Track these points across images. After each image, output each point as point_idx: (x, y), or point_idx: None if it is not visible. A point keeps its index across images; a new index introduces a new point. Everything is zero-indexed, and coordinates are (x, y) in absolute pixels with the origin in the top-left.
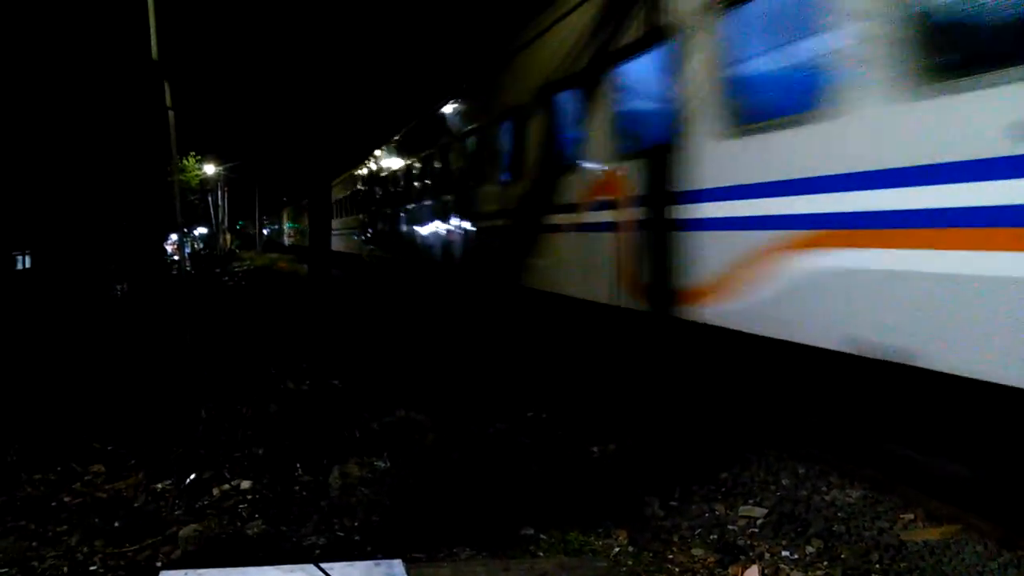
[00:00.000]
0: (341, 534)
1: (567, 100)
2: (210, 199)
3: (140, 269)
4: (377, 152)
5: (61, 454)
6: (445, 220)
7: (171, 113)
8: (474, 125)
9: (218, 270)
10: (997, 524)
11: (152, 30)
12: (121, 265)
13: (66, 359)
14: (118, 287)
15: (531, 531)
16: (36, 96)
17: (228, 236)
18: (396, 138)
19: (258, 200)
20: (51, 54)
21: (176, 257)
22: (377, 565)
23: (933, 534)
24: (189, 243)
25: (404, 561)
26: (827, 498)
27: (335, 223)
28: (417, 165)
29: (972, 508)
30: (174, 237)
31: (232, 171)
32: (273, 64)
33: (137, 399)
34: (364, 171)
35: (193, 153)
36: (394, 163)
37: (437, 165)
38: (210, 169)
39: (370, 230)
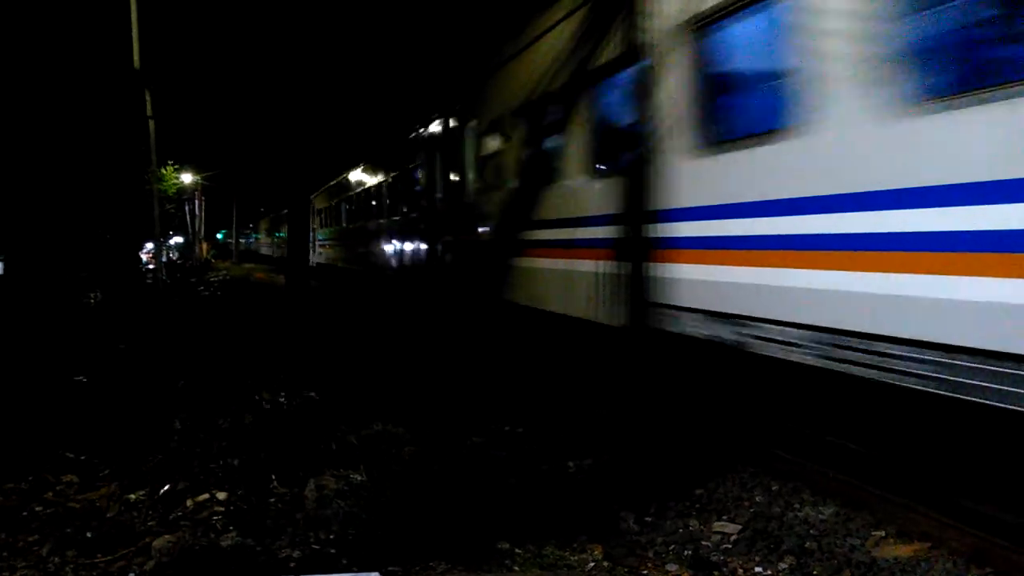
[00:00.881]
0: (316, 547)
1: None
2: (187, 208)
3: (114, 277)
4: (360, 165)
5: (33, 464)
6: (422, 234)
7: (151, 122)
8: (454, 138)
9: (193, 279)
10: (967, 541)
11: (135, 39)
12: (94, 273)
13: (38, 367)
14: (92, 295)
15: (507, 545)
16: (12, 102)
17: (204, 246)
18: (374, 153)
19: (235, 210)
20: (31, 61)
21: (152, 266)
22: None
23: (904, 551)
24: (165, 252)
25: (380, 574)
26: (800, 514)
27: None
28: (392, 178)
29: (942, 524)
30: (150, 246)
31: (209, 180)
32: (253, 76)
33: (111, 409)
34: (345, 182)
35: (171, 162)
36: (372, 178)
37: (416, 177)
38: (187, 178)
39: (349, 243)
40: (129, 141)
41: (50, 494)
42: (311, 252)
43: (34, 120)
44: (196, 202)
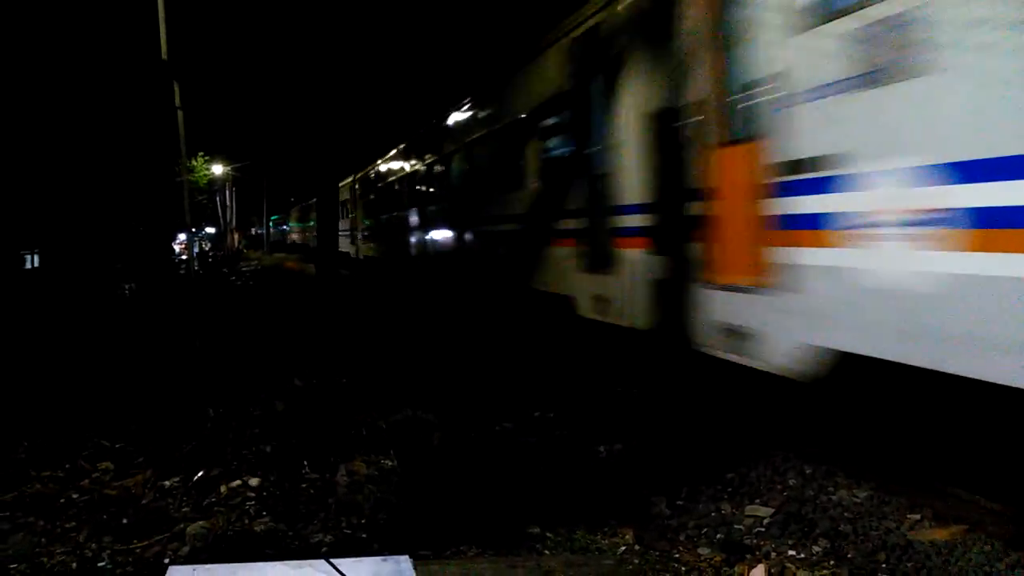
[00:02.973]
0: (348, 531)
1: None
2: (218, 199)
3: (148, 268)
4: (390, 154)
5: (70, 451)
6: (449, 224)
7: (180, 113)
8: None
9: (226, 270)
10: (1004, 524)
11: (162, 31)
12: (129, 264)
13: (75, 357)
14: (126, 286)
15: (537, 529)
16: (45, 96)
17: (236, 235)
18: (403, 146)
19: (266, 200)
20: (61, 54)
21: (184, 256)
22: (384, 561)
23: (940, 534)
24: (197, 243)
25: (411, 558)
26: (834, 498)
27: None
28: (421, 170)
29: (979, 508)
30: (182, 236)
31: (240, 171)
32: (282, 65)
33: (146, 398)
34: (375, 174)
35: (201, 153)
36: (402, 169)
37: (441, 171)
38: (218, 169)
39: (389, 231)
40: (159, 133)
41: (86, 481)
42: (353, 244)
43: (66, 114)
44: (227, 192)
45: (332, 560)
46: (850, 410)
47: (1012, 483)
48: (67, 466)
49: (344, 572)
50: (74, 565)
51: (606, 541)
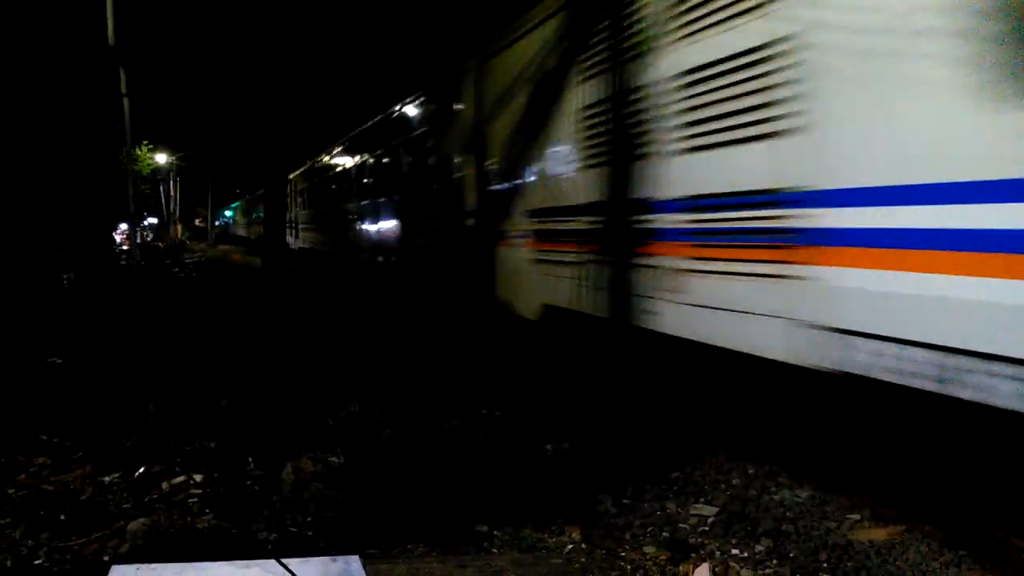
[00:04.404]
0: (294, 529)
1: None
2: (161, 189)
3: (88, 258)
4: (335, 148)
5: (5, 445)
6: (392, 217)
7: (126, 100)
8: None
9: (168, 261)
10: (939, 526)
11: (110, 15)
12: (68, 253)
13: (9, 349)
14: (65, 276)
15: (485, 528)
16: None
17: (179, 227)
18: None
19: (211, 191)
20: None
21: (126, 247)
22: (334, 561)
23: (879, 534)
24: (140, 233)
25: (360, 558)
26: (776, 498)
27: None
28: (368, 163)
29: (916, 509)
30: (124, 226)
31: (185, 160)
32: (231, 55)
33: (85, 391)
34: (322, 164)
35: (146, 142)
36: (345, 161)
37: (385, 163)
38: (162, 158)
39: (328, 225)
40: (103, 120)
41: (23, 476)
42: (291, 235)
43: (3, 98)
44: (171, 183)
45: (281, 560)
46: (794, 412)
47: (948, 485)
48: (2, 460)
49: (293, 572)
50: (9, 563)
51: (553, 540)
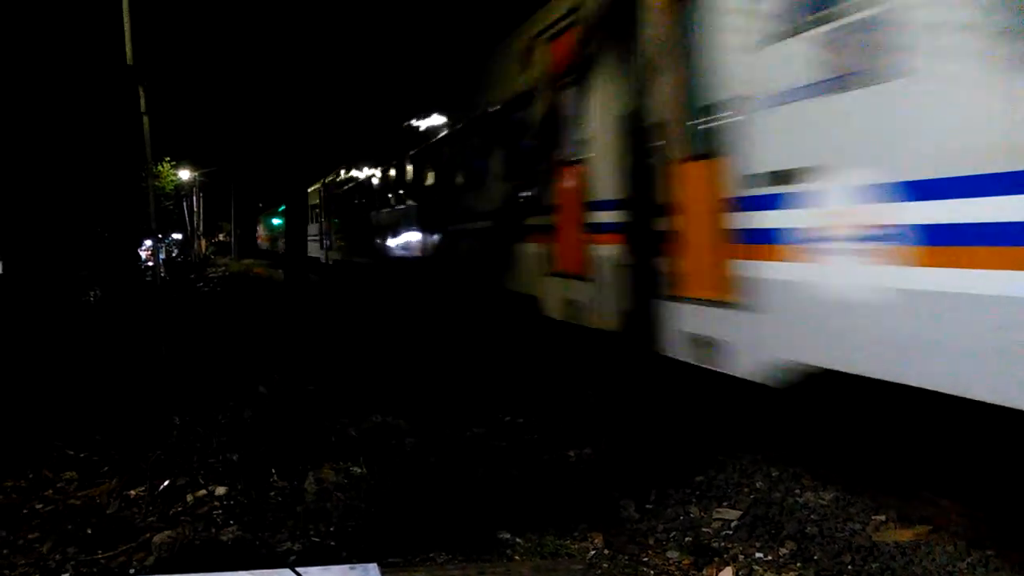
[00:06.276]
0: (316, 539)
1: None
2: (185, 204)
3: (114, 275)
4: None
5: (33, 461)
6: (415, 225)
7: (146, 118)
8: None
9: (192, 276)
10: (966, 525)
11: (127, 35)
12: (94, 271)
13: (38, 365)
14: (91, 293)
15: (507, 535)
16: (7, 101)
17: (203, 242)
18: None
19: (234, 206)
20: (25, 58)
21: (151, 263)
22: (352, 569)
23: (905, 535)
24: (164, 249)
25: (380, 565)
26: (800, 500)
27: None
28: (390, 173)
29: (942, 509)
30: (148, 243)
31: (207, 176)
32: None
33: (111, 406)
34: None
35: (168, 158)
36: (369, 172)
37: (407, 171)
38: (185, 174)
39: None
40: (125, 138)
41: (50, 491)
42: (323, 249)
43: (29, 119)
44: (195, 198)
45: (299, 569)
46: (815, 414)
47: (974, 485)
48: (30, 476)
49: None
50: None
51: (576, 546)
